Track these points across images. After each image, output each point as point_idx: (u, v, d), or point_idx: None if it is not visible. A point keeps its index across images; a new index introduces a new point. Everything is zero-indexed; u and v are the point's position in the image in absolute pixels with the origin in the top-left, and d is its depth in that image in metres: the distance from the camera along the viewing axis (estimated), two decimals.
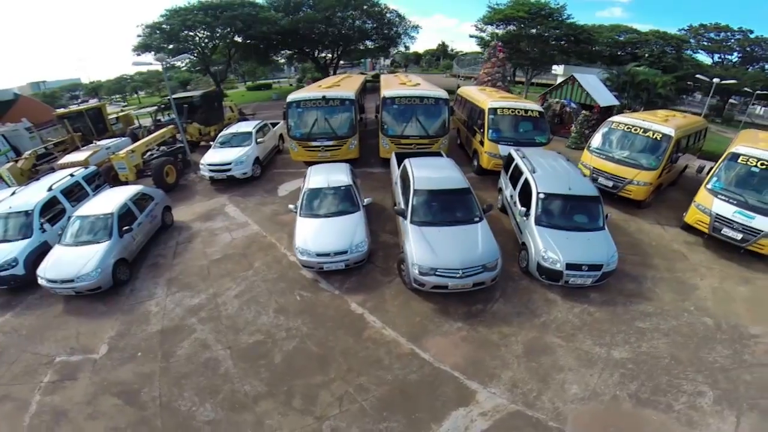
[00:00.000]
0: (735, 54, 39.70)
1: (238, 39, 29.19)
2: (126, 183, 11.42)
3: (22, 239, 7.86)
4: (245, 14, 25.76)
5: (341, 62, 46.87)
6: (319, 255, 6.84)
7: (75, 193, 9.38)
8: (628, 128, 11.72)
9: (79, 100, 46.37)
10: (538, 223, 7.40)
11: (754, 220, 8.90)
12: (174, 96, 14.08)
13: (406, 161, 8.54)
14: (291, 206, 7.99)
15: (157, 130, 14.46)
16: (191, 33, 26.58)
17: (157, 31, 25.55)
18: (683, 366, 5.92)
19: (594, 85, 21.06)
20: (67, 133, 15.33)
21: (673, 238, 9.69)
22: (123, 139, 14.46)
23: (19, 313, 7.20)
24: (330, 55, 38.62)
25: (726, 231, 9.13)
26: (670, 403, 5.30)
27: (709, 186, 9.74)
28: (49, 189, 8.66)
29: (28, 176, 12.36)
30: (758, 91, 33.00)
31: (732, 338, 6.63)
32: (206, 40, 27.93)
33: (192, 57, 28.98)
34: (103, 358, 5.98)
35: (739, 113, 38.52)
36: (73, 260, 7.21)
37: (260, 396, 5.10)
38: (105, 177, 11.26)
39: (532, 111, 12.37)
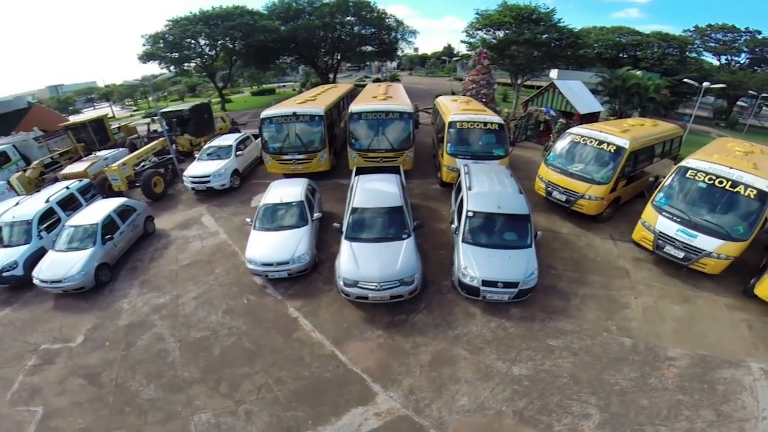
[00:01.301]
0: (743, 55, 39.14)
1: (239, 47, 30.99)
2: (119, 193, 13.05)
3: (23, 245, 9.43)
4: (243, 23, 27.51)
5: (347, 65, 48.60)
6: (263, 264, 8.10)
7: (70, 204, 10.97)
8: (584, 140, 11.76)
9: (93, 105, 49.72)
10: (464, 240, 8.08)
11: (696, 239, 8.91)
12: (164, 110, 15.69)
13: (357, 178, 9.68)
14: (248, 219, 9.27)
15: (151, 141, 16.12)
16: (193, 42, 28.50)
17: (161, 41, 27.55)
18: (580, 387, 6.36)
19: (576, 91, 21.61)
20: (72, 144, 17.21)
21: (621, 254, 10.03)
22: (121, 150, 16.18)
23: (17, 309, 8.75)
24: (330, 61, 40.07)
25: (669, 249, 9.22)
26: (552, 423, 5.77)
27: (654, 202, 9.70)
28: (47, 201, 10.25)
29: (36, 184, 14.13)
30: (764, 94, 32.64)
31: (645, 360, 7.00)
32: (208, 49, 29.84)
33: (196, 64, 30.94)
34: (78, 347, 7.41)
35: (750, 116, 37.86)
36: (62, 264, 8.70)
37: (195, 381, 6.38)
38: (100, 187, 12.90)
39: (491, 124, 12.68)
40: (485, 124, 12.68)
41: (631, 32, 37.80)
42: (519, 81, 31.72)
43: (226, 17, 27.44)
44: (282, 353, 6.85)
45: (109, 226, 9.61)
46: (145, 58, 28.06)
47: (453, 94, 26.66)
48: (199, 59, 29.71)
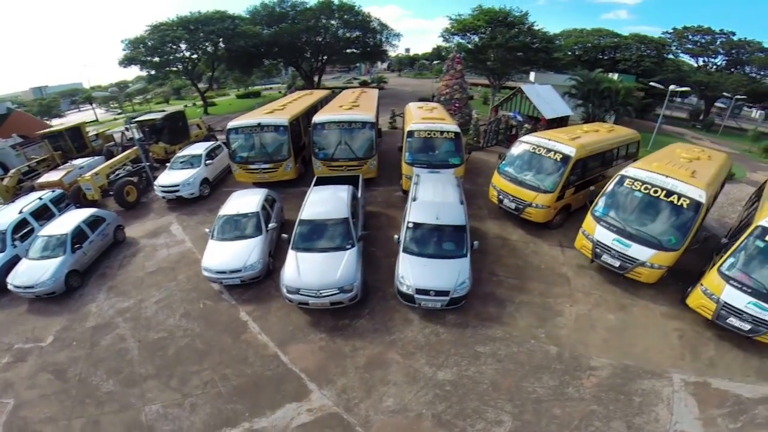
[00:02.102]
0: (720, 57, 40.31)
1: (220, 51, 31.75)
2: (94, 202, 13.90)
3: None
4: (223, 29, 28.25)
5: (337, 67, 49.43)
6: (218, 272, 9.05)
7: (44, 214, 11.81)
8: (533, 148, 12.10)
9: (78, 107, 50.14)
10: (404, 250, 8.76)
11: (630, 248, 9.17)
12: (138, 119, 16.51)
13: (311, 189, 10.62)
14: (206, 230, 10.21)
15: (125, 150, 16.96)
16: (174, 47, 29.22)
17: (141, 46, 28.25)
18: (499, 393, 6.87)
19: (545, 96, 22.58)
20: (49, 152, 17.98)
21: (566, 261, 10.57)
22: (96, 158, 16.99)
23: None
24: (315, 64, 40.88)
25: (606, 258, 9.53)
26: (466, 428, 6.31)
27: (593, 211, 9.99)
28: (20, 212, 11.10)
29: (14, 193, 14.95)
30: (737, 96, 34.03)
31: (566, 369, 7.40)
32: (189, 54, 30.57)
33: (178, 68, 31.65)
34: (47, 346, 8.35)
35: (726, 117, 39.15)
36: (35, 271, 9.59)
37: (149, 377, 7.33)
38: (75, 196, 13.73)
39: (448, 133, 13.25)
40: (442, 133, 13.30)
41: (610, 34, 38.87)
42: (496, 84, 32.71)
43: (205, 22, 28.22)
44: (229, 353, 7.80)
45: (78, 235, 10.49)
46: (126, 62, 28.76)
47: (433, 98, 27.58)
48: (180, 64, 30.43)
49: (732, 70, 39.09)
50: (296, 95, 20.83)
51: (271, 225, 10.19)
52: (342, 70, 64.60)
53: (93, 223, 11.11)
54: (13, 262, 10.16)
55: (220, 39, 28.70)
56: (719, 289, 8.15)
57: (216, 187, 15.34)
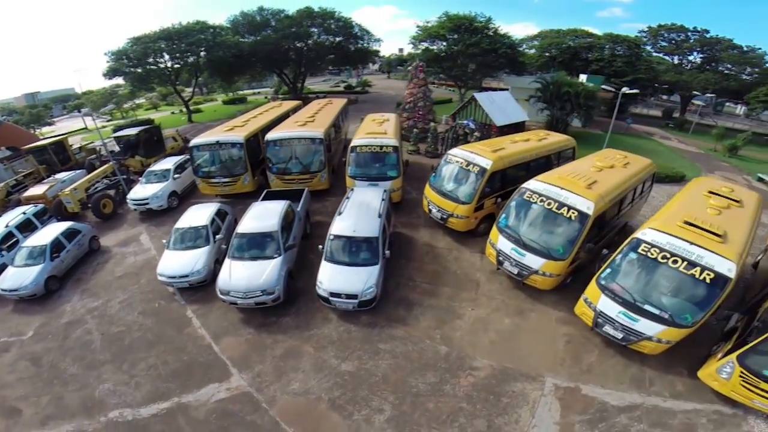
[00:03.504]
0: (696, 54, 41.35)
1: (202, 61, 33.63)
2: (74, 214, 15.90)
3: None
4: (202, 40, 30.10)
5: (328, 69, 51.07)
6: (169, 277, 11.01)
7: (28, 227, 13.82)
8: (456, 161, 13.13)
9: (70, 114, 52.41)
10: (325, 258, 10.37)
11: (525, 257, 10.04)
12: (113, 135, 18.47)
13: (252, 204, 12.46)
14: (164, 241, 12.16)
15: (104, 164, 18.97)
16: (157, 59, 31.16)
17: (124, 58, 30.20)
18: (386, 385, 8.03)
19: (499, 103, 24.00)
20: (34, 166, 20.00)
21: (481, 268, 11.83)
22: (78, 171, 18.94)
23: None
24: (297, 70, 42.60)
25: (506, 265, 10.49)
26: (353, 412, 7.57)
27: (498, 223, 10.93)
28: (6, 226, 13.13)
29: (3, 205, 16.97)
30: (708, 93, 35.43)
31: (450, 368, 8.41)
32: (171, 64, 32.50)
33: (161, 79, 33.59)
34: (28, 339, 10.33)
35: (709, 115, 40.40)
36: (18, 276, 11.57)
37: (107, 362, 9.31)
38: (57, 209, 15.70)
39: (387, 147, 14.49)
40: (381, 147, 14.59)
41: (585, 34, 40.11)
42: (462, 90, 34.33)
43: (186, 34, 30.08)
44: (172, 343, 9.73)
45: (57, 246, 12.47)
46: (110, 73, 30.75)
47: (398, 105, 29.14)
48: (163, 74, 32.37)
49: (707, 67, 40.31)
50: (266, 107, 22.73)
51: (218, 237, 12.13)
52: (332, 72, 66.40)
53: (70, 234, 13.08)
54: (1, 269, 12.19)
55: (201, 50, 30.59)
56: (596, 298, 8.86)
57: (185, 198, 17.28)
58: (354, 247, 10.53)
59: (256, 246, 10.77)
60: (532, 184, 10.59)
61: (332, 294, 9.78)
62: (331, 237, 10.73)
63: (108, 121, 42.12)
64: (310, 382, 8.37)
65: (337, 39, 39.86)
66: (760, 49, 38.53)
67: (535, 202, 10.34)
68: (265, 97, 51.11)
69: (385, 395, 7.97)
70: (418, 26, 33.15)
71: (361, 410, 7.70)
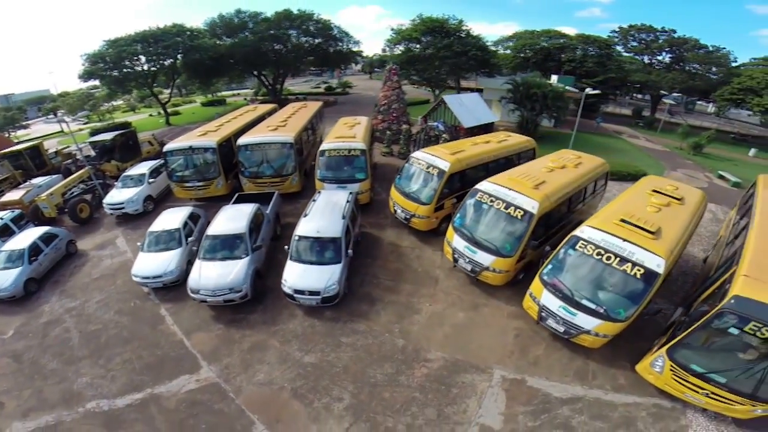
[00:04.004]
0: (665, 54, 43.17)
1: (179, 64, 34.03)
2: (51, 219, 16.48)
3: None
4: (179, 43, 30.55)
5: (309, 70, 51.59)
6: (143, 278, 11.82)
7: (6, 232, 14.43)
8: (418, 163, 13.83)
9: (46, 117, 52.01)
10: (290, 258, 11.16)
11: (476, 254, 10.74)
12: (89, 140, 19.04)
13: (223, 207, 13.27)
14: (138, 243, 12.95)
15: (80, 169, 19.51)
16: (133, 61, 31.49)
17: (99, 61, 30.45)
18: (347, 376, 8.65)
19: (468, 105, 25.16)
20: (10, 171, 20.41)
21: (441, 265, 12.62)
22: (54, 177, 19.46)
23: None
24: (276, 72, 43.18)
25: (461, 263, 11.28)
26: (314, 400, 8.23)
27: (453, 222, 11.58)
28: None
29: None
30: (674, 93, 37.40)
31: (406, 360, 8.98)
32: (147, 67, 32.83)
33: (137, 82, 33.87)
34: (9, 338, 11.00)
35: (680, 114, 42.42)
36: None
37: (84, 357, 10.09)
38: (34, 214, 16.29)
39: (354, 150, 15.17)
40: (349, 151, 15.30)
41: (558, 35, 41.61)
42: (437, 92, 35.55)
43: (162, 37, 30.46)
44: (147, 339, 10.53)
45: (35, 250, 13.13)
46: (86, 76, 30.95)
47: (375, 106, 30.08)
48: (140, 78, 32.66)
49: (675, 67, 42.19)
50: (241, 111, 23.42)
51: (190, 239, 12.97)
52: (314, 73, 66.96)
53: (47, 239, 13.73)
54: None
55: (178, 53, 30.99)
56: (540, 293, 9.40)
57: (161, 202, 17.90)
58: (318, 247, 11.27)
59: (224, 247, 11.60)
60: (484, 185, 11.25)
61: (296, 291, 10.58)
62: (296, 238, 11.53)
63: (84, 123, 41.99)
64: (275, 374, 9.13)
65: (316, 41, 40.54)
66: (724, 48, 40.72)
67: (486, 203, 11.05)
68: (245, 99, 51.62)
69: (345, 385, 8.67)
70: (392, 29, 34.29)
71: (322, 399, 8.41)
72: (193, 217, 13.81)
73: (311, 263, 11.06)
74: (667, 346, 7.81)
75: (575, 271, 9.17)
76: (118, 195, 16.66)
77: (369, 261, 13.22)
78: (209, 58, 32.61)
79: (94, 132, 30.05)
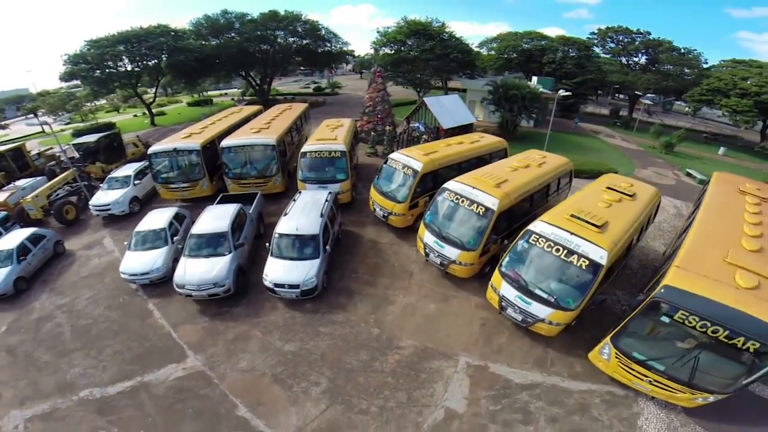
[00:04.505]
0: (641, 56, 44.82)
1: (163, 64, 34.31)
2: (37, 220, 16.95)
3: None
4: (163, 43, 30.88)
5: (299, 69, 51.97)
6: (131, 275, 12.52)
7: None
8: (395, 164, 14.76)
9: (26, 116, 51.34)
10: (271, 254, 11.98)
11: (444, 249, 11.64)
12: (73, 142, 19.51)
13: (207, 207, 14.01)
14: (126, 243, 13.62)
15: (64, 171, 19.95)
16: (117, 62, 31.71)
17: (81, 62, 30.59)
18: (324, 362, 9.37)
19: (448, 106, 26.22)
20: None
21: (416, 260, 13.54)
22: (38, 179, 19.79)
23: None
24: (263, 73, 43.66)
25: (431, 257, 12.26)
26: (293, 385, 8.97)
27: (425, 218, 12.55)
28: None
29: None
30: (649, 93, 39.15)
31: (380, 347, 9.66)
32: (130, 67, 33.08)
33: (121, 83, 34.04)
34: (2, 333, 11.55)
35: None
36: None
37: (76, 350, 10.75)
38: (20, 215, 16.74)
39: (335, 152, 16.05)
40: (330, 152, 16.17)
41: (539, 37, 43.02)
42: (420, 93, 36.69)
43: (146, 37, 30.77)
44: (136, 332, 11.24)
45: (23, 250, 13.68)
46: (67, 77, 31.05)
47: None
48: (124, 78, 32.89)
49: (652, 68, 43.91)
50: (225, 113, 24.06)
51: (176, 238, 13.69)
52: (304, 72, 67.39)
53: (35, 239, 14.26)
54: None
55: (162, 53, 31.32)
56: (499, 284, 10.22)
57: (146, 203, 18.48)
58: (297, 244, 12.13)
59: (208, 245, 12.38)
60: (451, 184, 12.10)
61: (276, 285, 11.44)
62: (277, 235, 12.40)
63: (66, 124, 41.80)
64: (257, 361, 9.90)
65: (304, 41, 41.14)
66: (695, 50, 42.70)
67: (452, 200, 11.94)
68: (232, 99, 51.99)
69: (323, 371, 9.42)
70: (378, 31, 35.28)
71: (300, 383, 9.16)
72: (178, 218, 14.52)
73: (291, 259, 11.91)
74: (611, 334, 8.48)
75: (529, 263, 10.04)
76: (104, 196, 17.19)
77: (349, 257, 14.12)
78: (194, 59, 32.96)
79: (77, 133, 30.24)
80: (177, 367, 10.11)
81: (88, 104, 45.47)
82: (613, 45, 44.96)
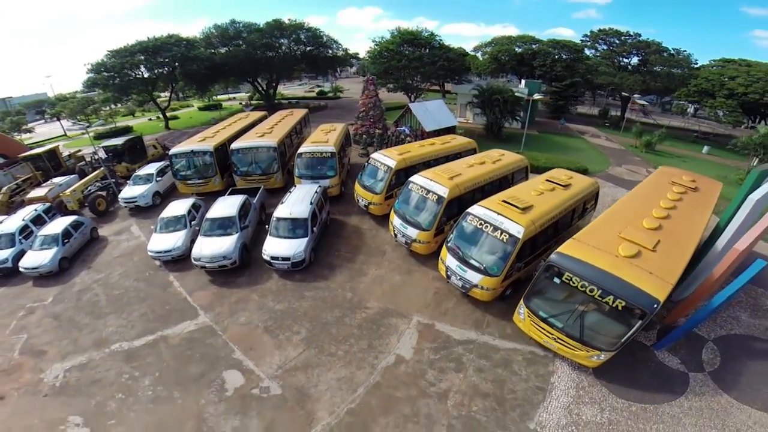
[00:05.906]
0: (634, 57, 46.06)
1: (177, 72, 37.11)
2: (74, 211, 19.60)
3: (10, 248, 15.99)
4: (176, 54, 33.67)
5: (305, 73, 54.55)
6: (156, 252, 15.02)
7: (38, 221, 17.53)
8: (374, 162, 17.18)
9: (45, 119, 54.69)
10: (269, 234, 14.58)
11: (407, 230, 13.86)
12: (102, 145, 22.27)
13: (218, 198, 16.54)
14: (152, 227, 16.13)
15: (94, 169, 22.67)
16: (135, 71, 34.60)
17: (103, 70, 33.52)
18: (305, 318, 11.68)
19: (432, 110, 28.19)
20: (31, 171, 23.49)
21: (390, 242, 15.81)
22: (72, 176, 22.51)
23: (10, 287, 15.26)
24: (269, 78, 46.33)
25: (399, 237, 14.48)
26: (279, 333, 11.25)
27: (394, 206, 14.91)
28: (23, 219, 16.85)
29: (7, 206, 20.49)
30: (636, 95, 40.59)
31: (351, 307, 11.88)
32: (147, 75, 35.95)
33: (138, 90, 36.91)
34: (49, 303, 14.03)
35: (650, 115, 45.44)
36: (37, 258, 15.29)
37: (110, 314, 13.15)
38: (59, 207, 19.40)
39: (326, 153, 18.69)
40: (321, 153, 18.88)
41: (531, 41, 44.69)
42: (411, 97, 38.87)
43: (161, 47, 33.57)
44: (158, 298, 13.66)
45: (66, 234, 16.27)
46: (90, 85, 34.00)
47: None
48: (141, 85, 35.76)
49: (643, 69, 45.11)
50: (233, 119, 26.74)
51: (193, 223, 16.19)
52: (309, 76, 70.15)
53: (75, 226, 16.86)
54: (22, 253, 15.89)
55: (176, 63, 34.12)
56: (446, 256, 12.17)
57: (166, 197, 21.05)
58: (290, 225, 14.67)
59: (219, 227, 14.91)
60: (415, 177, 14.25)
61: (272, 258, 13.94)
62: (275, 219, 15.00)
63: (87, 127, 44.78)
64: (253, 317, 12.20)
65: (307, 48, 43.69)
66: (685, 51, 44.03)
67: (414, 190, 14.16)
68: (240, 103, 54.86)
69: (304, 324, 11.67)
70: (373, 41, 37.72)
71: (285, 333, 11.39)
72: (195, 206, 17.04)
73: (285, 237, 14.45)
74: (524, 295, 9.97)
75: (466, 237, 11.97)
76: (131, 191, 19.84)
77: (334, 239, 16.56)
78: (205, 67, 35.65)
79: (98, 136, 33.06)
80: (190, 323, 12.44)
81: (105, 109, 48.53)
82: (604, 47, 46.41)
